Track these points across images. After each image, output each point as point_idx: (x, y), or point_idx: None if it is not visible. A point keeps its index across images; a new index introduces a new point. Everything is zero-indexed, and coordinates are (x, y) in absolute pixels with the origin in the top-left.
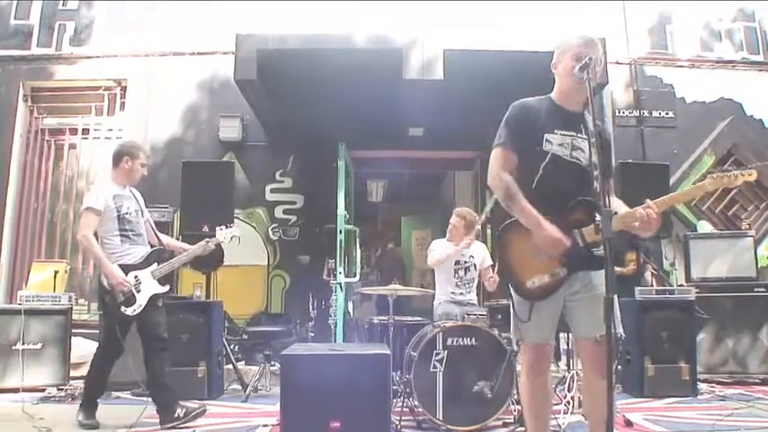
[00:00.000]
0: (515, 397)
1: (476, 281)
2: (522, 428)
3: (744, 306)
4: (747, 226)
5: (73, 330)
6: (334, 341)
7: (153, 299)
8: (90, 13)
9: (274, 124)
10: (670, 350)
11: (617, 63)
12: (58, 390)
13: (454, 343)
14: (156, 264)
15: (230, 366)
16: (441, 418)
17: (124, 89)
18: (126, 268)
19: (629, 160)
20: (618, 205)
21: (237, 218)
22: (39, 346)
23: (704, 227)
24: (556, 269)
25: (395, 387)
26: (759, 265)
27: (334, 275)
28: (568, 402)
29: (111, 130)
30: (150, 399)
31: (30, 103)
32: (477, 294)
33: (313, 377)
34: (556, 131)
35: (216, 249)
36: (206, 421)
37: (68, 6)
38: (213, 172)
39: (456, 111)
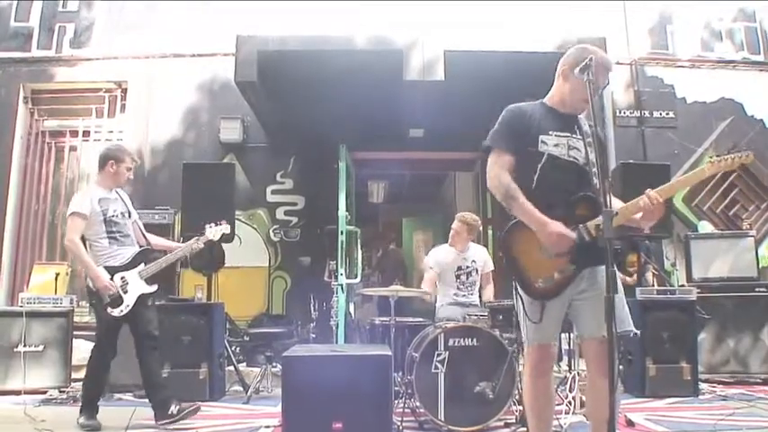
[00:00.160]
0: (517, 397)
1: (477, 284)
2: (524, 429)
3: (745, 306)
4: (748, 226)
5: (74, 332)
6: (336, 342)
7: (141, 298)
8: (90, 15)
9: (275, 126)
10: (671, 350)
11: (617, 63)
12: (60, 392)
13: (456, 344)
14: (143, 264)
15: (232, 368)
16: (442, 419)
17: (124, 91)
18: (113, 270)
19: (630, 160)
20: (618, 205)
21: (238, 219)
22: (40, 348)
23: (705, 227)
24: (564, 266)
25: (396, 388)
26: (760, 266)
27: (336, 277)
28: (570, 403)
29: (111, 132)
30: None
31: (30, 105)
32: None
33: (314, 378)
34: (550, 133)
35: (217, 251)
36: (208, 423)
37: (68, 8)
38: (214, 173)
39: (457, 112)
